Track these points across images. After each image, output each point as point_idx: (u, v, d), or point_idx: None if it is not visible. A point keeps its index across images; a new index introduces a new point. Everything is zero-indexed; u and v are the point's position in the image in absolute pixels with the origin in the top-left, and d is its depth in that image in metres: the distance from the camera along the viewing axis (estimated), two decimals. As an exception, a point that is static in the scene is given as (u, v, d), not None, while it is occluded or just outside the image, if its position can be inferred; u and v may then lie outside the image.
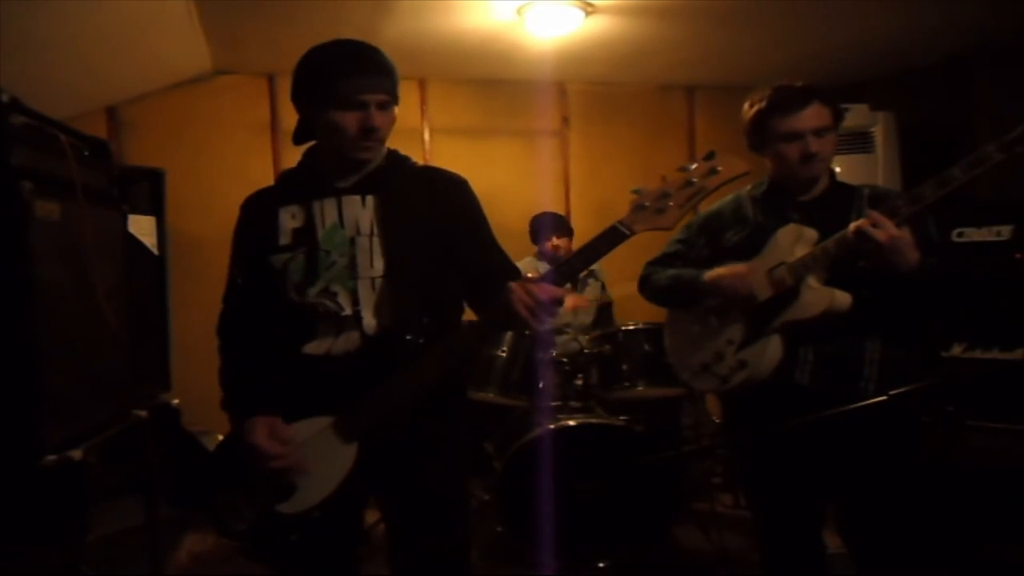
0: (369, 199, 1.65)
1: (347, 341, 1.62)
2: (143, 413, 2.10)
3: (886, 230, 1.66)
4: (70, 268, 1.79)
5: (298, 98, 1.66)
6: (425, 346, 1.57)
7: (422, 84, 4.53)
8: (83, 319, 1.84)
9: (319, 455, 1.57)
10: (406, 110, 5.02)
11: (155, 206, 3.45)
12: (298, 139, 1.73)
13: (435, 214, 1.67)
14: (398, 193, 1.66)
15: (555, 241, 3.70)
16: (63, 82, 3.38)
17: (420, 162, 1.80)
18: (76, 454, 1.69)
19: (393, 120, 1.63)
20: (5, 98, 1.61)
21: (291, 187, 1.72)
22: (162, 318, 3.44)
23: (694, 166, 1.53)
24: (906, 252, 1.68)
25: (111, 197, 2.08)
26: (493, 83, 4.60)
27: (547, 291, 1.48)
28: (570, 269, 1.58)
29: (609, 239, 1.54)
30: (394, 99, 1.62)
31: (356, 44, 1.60)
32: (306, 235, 1.64)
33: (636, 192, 1.55)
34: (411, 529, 1.69)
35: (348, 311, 1.61)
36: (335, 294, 1.62)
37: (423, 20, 3.50)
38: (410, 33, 3.65)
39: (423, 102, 4.54)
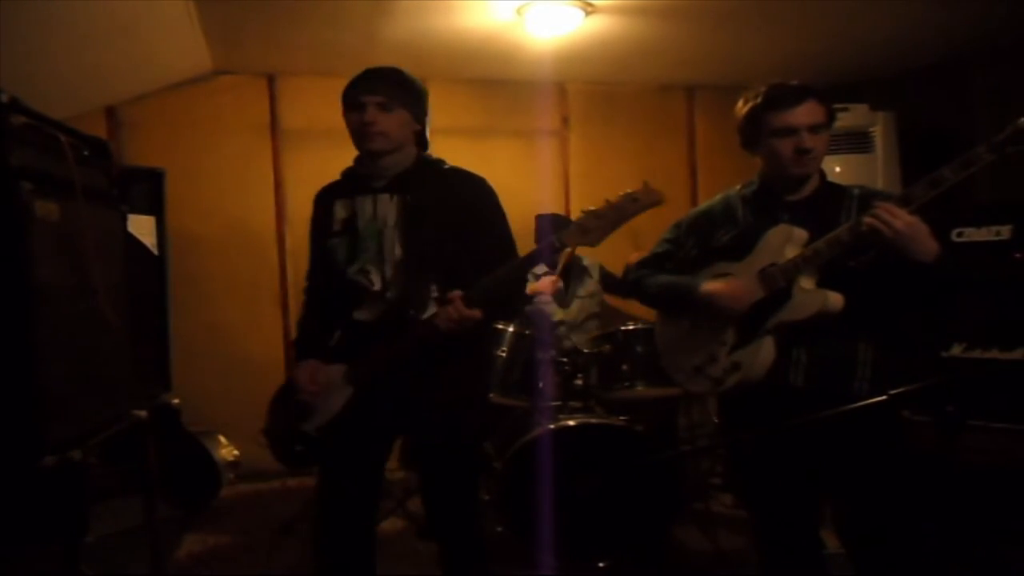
0: (396, 197, 2.02)
1: (378, 310, 2.02)
2: (143, 413, 2.10)
3: (901, 218, 1.65)
4: (70, 268, 1.79)
5: (351, 96, 2.01)
6: (421, 319, 1.94)
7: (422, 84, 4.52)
8: (83, 319, 1.84)
9: (330, 392, 2.02)
10: (406, 110, 4.94)
11: (155, 206, 3.46)
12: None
13: (450, 210, 2.01)
14: (420, 193, 2.01)
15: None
16: (63, 82, 3.38)
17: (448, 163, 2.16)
18: (76, 454, 1.69)
19: (398, 121, 2.00)
20: (5, 98, 1.61)
21: (345, 183, 2.12)
22: (162, 318, 3.45)
23: (622, 194, 1.84)
24: (925, 240, 1.66)
25: (111, 197, 2.08)
26: (493, 83, 4.60)
27: (457, 312, 1.87)
28: (491, 286, 1.91)
29: (546, 251, 1.92)
30: (394, 101, 1.98)
31: (394, 68, 2.04)
32: (351, 224, 2.04)
33: (583, 212, 1.86)
34: (426, 471, 2.12)
35: (378, 287, 2.01)
36: (368, 272, 2.01)
37: (423, 20, 3.50)
38: (410, 33, 3.65)
39: (423, 102, 4.54)
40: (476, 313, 1.87)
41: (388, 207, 2.02)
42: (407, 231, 1.99)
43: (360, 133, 1.98)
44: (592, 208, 1.85)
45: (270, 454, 2.19)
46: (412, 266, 1.98)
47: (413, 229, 1.99)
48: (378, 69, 2.01)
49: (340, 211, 2.07)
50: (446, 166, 2.12)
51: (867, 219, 1.68)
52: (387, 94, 1.97)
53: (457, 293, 1.87)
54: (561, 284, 3.63)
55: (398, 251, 1.99)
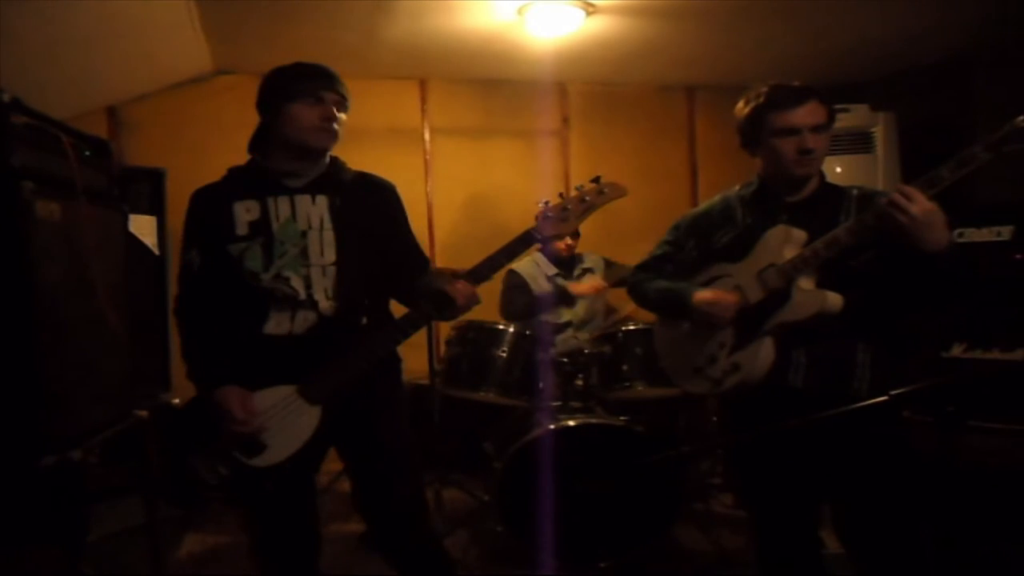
0: (320, 198, 1.90)
1: (304, 320, 1.85)
2: (143, 413, 2.10)
3: (920, 203, 1.62)
4: (70, 268, 1.80)
5: (263, 101, 1.91)
6: (371, 324, 1.89)
7: (422, 84, 4.53)
8: (83, 319, 1.84)
9: (286, 418, 1.81)
10: (406, 110, 5.03)
11: (155, 206, 3.45)
12: (253, 146, 1.95)
13: (374, 213, 1.97)
14: (344, 194, 1.92)
15: (568, 240, 3.63)
16: (64, 82, 3.38)
17: (356, 168, 2.04)
18: (76, 454, 1.70)
19: (344, 123, 1.90)
20: (6, 98, 1.61)
21: (242, 184, 1.92)
22: (162, 318, 3.44)
23: (586, 187, 1.89)
24: (941, 228, 1.64)
25: (112, 197, 2.08)
26: (493, 83, 4.60)
27: (465, 288, 1.84)
28: (484, 270, 1.87)
29: (524, 241, 1.89)
30: (345, 102, 1.91)
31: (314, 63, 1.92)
32: (262, 227, 1.87)
33: (543, 204, 1.89)
34: (371, 475, 1.95)
35: (302, 295, 1.84)
36: (287, 279, 1.85)
37: (423, 20, 3.50)
38: (410, 33, 3.65)
39: (423, 102, 4.54)
40: (476, 294, 1.87)
41: (311, 208, 1.89)
42: (343, 232, 1.89)
43: (314, 128, 1.84)
44: (554, 202, 1.89)
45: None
46: (348, 270, 1.88)
47: (349, 231, 1.90)
48: (325, 67, 1.91)
49: (243, 214, 1.87)
50: (354, 170, 2.02)
51: (884, 201, 1.66)
52: (343, 94, 1.90)
53: (455, 273, 1.87)
54: (605, 286, 3.64)
55: (330, 255, 1.87)
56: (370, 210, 1.96)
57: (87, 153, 1.93)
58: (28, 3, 2.56)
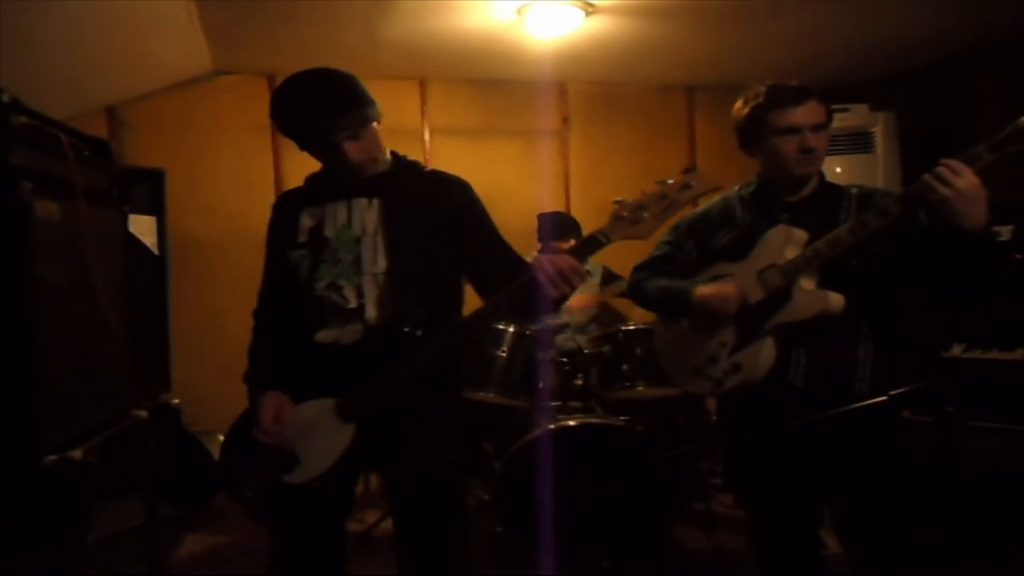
0: (375, 202, 1.81)
1: (352, 331, 1.77)
2: (143, 413, 2.10)
3: (967, 177, 1.60)
4: (70, 268, 1.80)
5: (285, 134, 1.82)
6: (421, 338, 1.72)
7: (422, 84, 4.53)
8: (83, 319, 1.84)
9: (321, 433, 1.72)
10: (406, 110, 5.02)
11: (155, 206, 3.45)
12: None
13: (438, 215, 1.83)
14: (402, 196, 1.82)
15: (573, 240, 3.62)
16: (63, 82, 3.38)
17: (426, 166, 1.94)
18: (76, 454, 1.70)
19: (374, 135, 1.80)
20: (6, 98, 1.61)
21: (312, 190, 1.91)
22: (162, 318, 3.44)
23: (671, 181, 1.63)
24: (982, 204, 1.61)
25: (111, 197, 2.08)
26: (493, 83, 4.61)
27: (567, 262, 1.64)
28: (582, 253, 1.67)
29: (589, 247, 1.67)
30: (365, 122, 1.76)
31: (324, 81, 1.78)
32: (319, 234, 1.82)
33: (617, 203, 1.65)
34: (407, 511, 1.83)
35: (353, 304, 1.76)
36: (341, 288, 1.78)
37: (423, 20, 3.50)
38: (410, 33, 3.65)
39: (423, 102, 4.54)
40: (583, 267, 1.65)
41: (366, 213, 1.81)
42: (393, 238, 1.78)
43: (341, 168, 1.77)
44: (631, 199, 1.64)
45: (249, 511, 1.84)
46: (400, 278, 1.76)
47: (400, 235, 1.78)
48: (338, 91, 1.75)
49: (306, 221, 1.84)
50: (426, 168, 1.93)
51: (927, 175, 1.62)
52: (353, 122, 1.74)
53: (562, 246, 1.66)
54: (595, 300, 3.47)
55: (382, 262, 1.77)
56: (432, 212, 1.82)
57: (86, 153, 1.93)
58: (27, 3, 2.56)
